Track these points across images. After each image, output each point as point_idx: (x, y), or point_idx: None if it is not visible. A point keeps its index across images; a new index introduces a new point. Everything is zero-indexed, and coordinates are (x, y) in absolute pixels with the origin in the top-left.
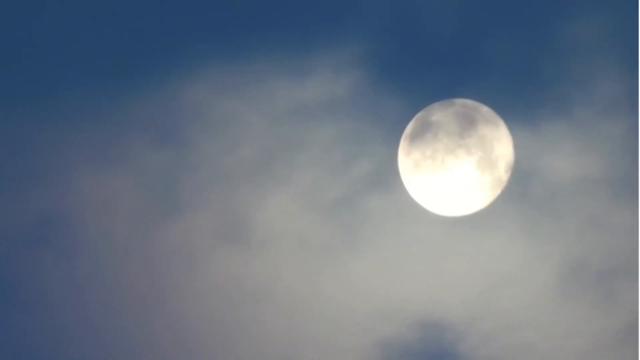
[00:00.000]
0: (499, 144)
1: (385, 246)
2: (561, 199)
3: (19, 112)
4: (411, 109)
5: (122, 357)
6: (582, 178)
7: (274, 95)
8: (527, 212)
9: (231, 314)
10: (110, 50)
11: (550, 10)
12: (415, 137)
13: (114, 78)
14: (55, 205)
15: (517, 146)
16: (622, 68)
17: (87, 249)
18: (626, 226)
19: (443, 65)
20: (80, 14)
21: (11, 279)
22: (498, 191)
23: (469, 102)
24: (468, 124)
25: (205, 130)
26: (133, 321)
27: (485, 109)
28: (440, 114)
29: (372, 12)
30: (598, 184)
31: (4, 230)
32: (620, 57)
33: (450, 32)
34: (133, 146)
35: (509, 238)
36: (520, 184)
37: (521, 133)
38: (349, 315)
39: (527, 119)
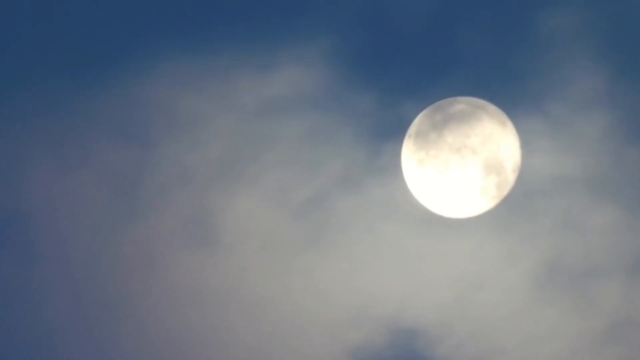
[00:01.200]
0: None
1: (356, 248)
2: (536, 198)
3: None
4: (382, 104)
5: None
6: (557, 177)
7: (239, 91)
8: (501, 212)
9: (196, 318)
10: (68, 46)
11: (523, 1)
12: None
13: (71, 74)
14: (12, 206)
15: None
16: (600, 61)
17: (46, 251)
18: (603, 226)
19: (414, 60)
20: (36, 9)
21: None
22: (505, 192)
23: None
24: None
25: (167, 128)
26: (94, 325)
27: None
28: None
29: (340, 4)
30: (574, 183)
31: None
32: (597, 49)
33: (422, 26)
34: (93, 145)
35: (483, 239)
36: None
37: None
38: (318, 320)
39: None
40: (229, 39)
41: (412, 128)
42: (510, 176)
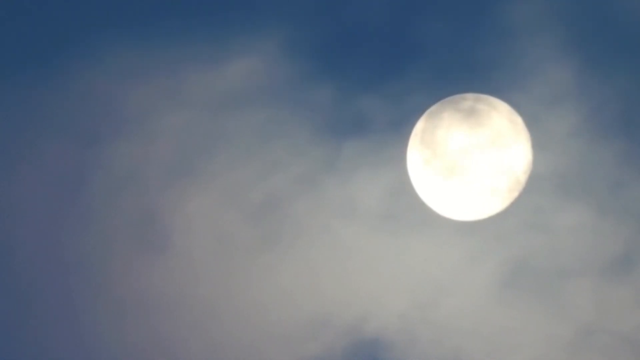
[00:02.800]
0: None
1: (315, 252)
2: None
3: None
4: (341, 98)
5: None
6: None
7: (189, 85)
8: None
9: (143, 327)
10: (5, 38)
11: None
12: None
13: (10, 68)
14: None
15: None
16: (567, 53)
17: None
18: (572, 226)
19: (373, 52)
20: None
21: None
22: (515, 194)
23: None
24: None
25: (114, 125)
26: (34, 333)
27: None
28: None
29: None
30: (542, 181)
31: None
32: (564, 40)
33: (381, 15)
34: (35, 143)
35: (447, 241)
36: None
37: None
38: (274, 329)
39: None
40: (178, 30)
41: (419, 125)
42: (521, 177)
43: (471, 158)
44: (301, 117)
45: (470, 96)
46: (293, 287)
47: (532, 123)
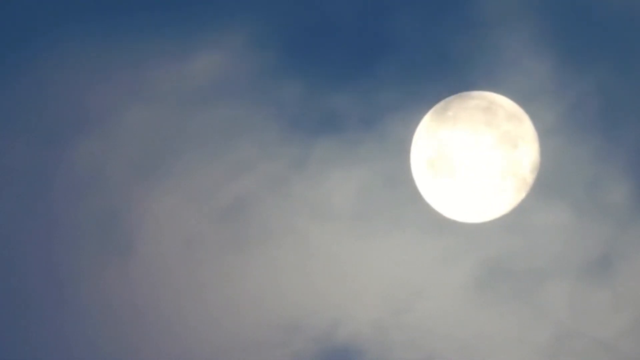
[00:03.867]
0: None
1: (285, 256)
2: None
3: None
4: (312, 95)
5: None
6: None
7: (154, 82)
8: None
9: (106, 332)
10: None
11: None
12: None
13: None
14: None
15: None
16: (544, 47)
17: None
18: (549, 226)
19: (343, 47)
20: None
21: None
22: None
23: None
24: None
25: (76, 123)
26: None
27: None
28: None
29: None
30: None
31: None
32: (541, 33)
33: (350, 10)
34: None
35: (420, 241)
36: None
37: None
38: (241, 336)
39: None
40: (141, 23)
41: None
42: (528, 177)
43: (475, 157)
44: (270, 114)
45: (476, 94)
46: (262, 291)
47: None
